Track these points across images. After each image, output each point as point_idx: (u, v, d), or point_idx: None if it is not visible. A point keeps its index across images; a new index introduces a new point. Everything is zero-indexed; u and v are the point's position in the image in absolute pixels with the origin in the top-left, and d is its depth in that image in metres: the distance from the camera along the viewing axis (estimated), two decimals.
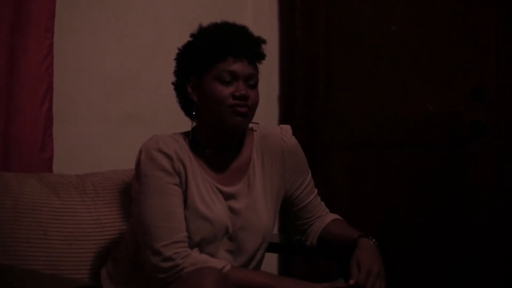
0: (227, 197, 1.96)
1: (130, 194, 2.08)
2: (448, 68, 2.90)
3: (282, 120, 3.27)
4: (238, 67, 1.92)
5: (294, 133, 2.08)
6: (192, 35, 1.99)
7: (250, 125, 2.00)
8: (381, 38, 3.08)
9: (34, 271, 1.95)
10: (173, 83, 2.02)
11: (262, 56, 1.98)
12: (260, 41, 1.98)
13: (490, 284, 2.76)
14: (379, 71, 3.08)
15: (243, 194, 1.98)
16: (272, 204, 2.03)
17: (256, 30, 2.01)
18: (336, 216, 2.14)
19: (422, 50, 2.97)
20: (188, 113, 2.01)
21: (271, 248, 2.25)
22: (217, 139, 1.96)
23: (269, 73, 3.25)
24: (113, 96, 2.70)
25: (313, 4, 3.25)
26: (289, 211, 2.12)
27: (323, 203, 2.16)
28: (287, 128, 2.09)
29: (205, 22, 2.02)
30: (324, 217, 2.13)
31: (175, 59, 2.01)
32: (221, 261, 1.86)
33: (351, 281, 1.86)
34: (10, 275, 1.77)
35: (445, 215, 2.88)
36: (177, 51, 2.02)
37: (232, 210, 1.95)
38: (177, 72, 2.01)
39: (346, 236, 2.03)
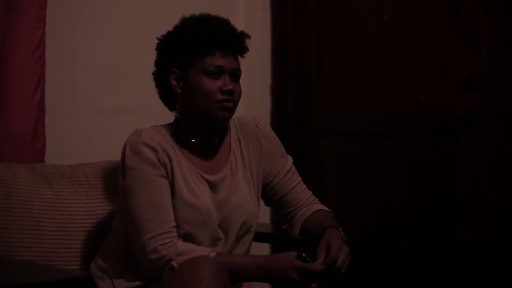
0: (212, 185, 1.97)
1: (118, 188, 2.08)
2: (440, 59, 2.90)
3: (275, 110, 3.27)
4: (225, 61, 1.93)
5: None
6: (175, 27, 1.98)
7: None
8: (372, 29, 3.07)
9: (26, 262, 1.95)
10: (153, 73, 2.02)
11: (246, 51, 2.00)
12: (244, 35, 1.99)
13: (481, 276, 2.78)
14: (370, 61, 3.08)
15: (227, 181, 1.99)
16: (255, 190, 2.05)
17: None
18: (322, 207, 2.11)
19: (413, 40, 2.96)
20: (168, 103, 2.02)
21: (263, 238, 2.25)
22: (201, 130, 1.98)
23: (261, 63, 3.25)
24: (105, 86, 2.70)
25: None
26: (273, 199, 2.12)
27: (310, 191, 2.14)
28: (260, 116, 2.13)
29: (197, 13, 2.01)
30: (309, 206, 2.10)
31: (156, 49, 2.00)
32: (207, 249, 1.87)
33: (318, 262, 1.83)
34: (1, 266, 1.76)
35: (437, 205, 2.89)
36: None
37: (217, 197, 1.97)
38: (158, 62, 2.00)
39: (319, 226, 2.00)
